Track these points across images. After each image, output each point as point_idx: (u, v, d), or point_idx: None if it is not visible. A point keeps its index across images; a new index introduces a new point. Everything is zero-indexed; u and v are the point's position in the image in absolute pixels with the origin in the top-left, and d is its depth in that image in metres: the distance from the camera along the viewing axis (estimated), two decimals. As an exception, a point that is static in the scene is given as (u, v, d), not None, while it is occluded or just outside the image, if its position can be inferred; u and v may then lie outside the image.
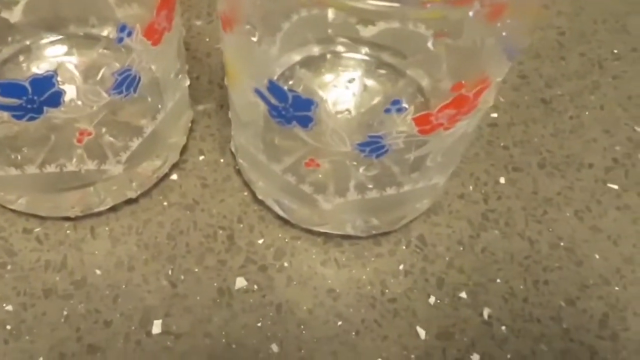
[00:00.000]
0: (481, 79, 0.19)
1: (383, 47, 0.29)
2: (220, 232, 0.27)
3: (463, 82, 0.19)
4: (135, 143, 0.24)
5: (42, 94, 0.19)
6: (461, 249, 0.27)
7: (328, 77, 0.29)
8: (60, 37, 0.28)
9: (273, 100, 0.20)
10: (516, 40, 0.20)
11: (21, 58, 0.28)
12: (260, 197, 0.27)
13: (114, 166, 0.24)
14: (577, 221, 0.28)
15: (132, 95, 0.22)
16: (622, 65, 0.34)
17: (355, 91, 0.29)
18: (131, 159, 0.25)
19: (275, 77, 0.29)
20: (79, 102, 0.21)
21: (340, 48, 0.30)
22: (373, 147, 0.21)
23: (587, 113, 0.32)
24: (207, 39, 0.33)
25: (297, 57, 0.29)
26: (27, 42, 0.28)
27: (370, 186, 0.23)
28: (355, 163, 0.23)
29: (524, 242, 0.27)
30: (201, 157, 0.29)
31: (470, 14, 0.16)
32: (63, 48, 0.28)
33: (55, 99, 0.20)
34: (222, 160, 0.29)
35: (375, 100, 0.29)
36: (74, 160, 0.23)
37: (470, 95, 0.19)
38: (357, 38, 0.29)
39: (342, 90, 0.29)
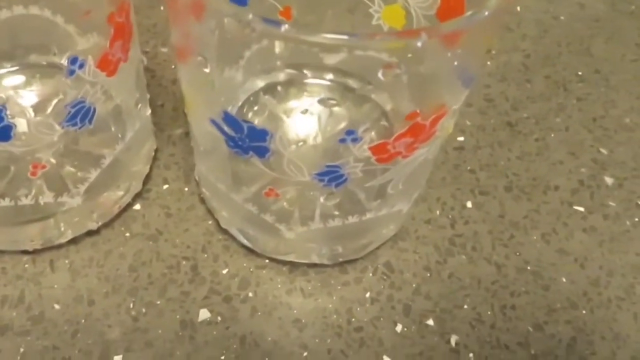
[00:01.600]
0: (437, 106, 0.19)
1: (347, 73, 0.29)
2: (184, 262, 0.26)
3: (418, 110, 0.19)
4: (93, 174, 0.24)
5: (-9, 127, 0.19)
6: (428, 275, 0.27)
7: (293, 103, 0.29)
8: (20, 66, 0.28)
9: (229, 131, 0.20)
10: (471, 66, 0.20)
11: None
12: (224, 226, 0.27)
13: (73, 197, 0.24)
14: (544, 244, 0.28)
15: (87, 126, 0.22)
16: (586, 87, 0.34)
17: (321, 116, 0.29)
18: (90, 190, 0.24)
19: (240, 103, 0.29)
20: (32, 136, 0.20)
21: (305, 74, 0.30)
22: (331, 176, 0.20)
23: (552, 135, 0.32)
24: (173, 66, 0.33)
25: (261, 84, 0.29)
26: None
27: (333, 215, 0.23)
28: (315, 192, 0.23)
29: (490, 266, 0.27)
30: (165, 186, 0.29)
31: (419, 44, 0.16)
32: (22, 77, 0.28)
33: (6, 133, 0.19)
34: (186, 189, 0.29)
35: (341, 126, 0.28)
36: (32, 192, 0.23)
37: (426, 124, 0.19)
38: (321, 65, 0.29)
39: (307, 116, 0.29)
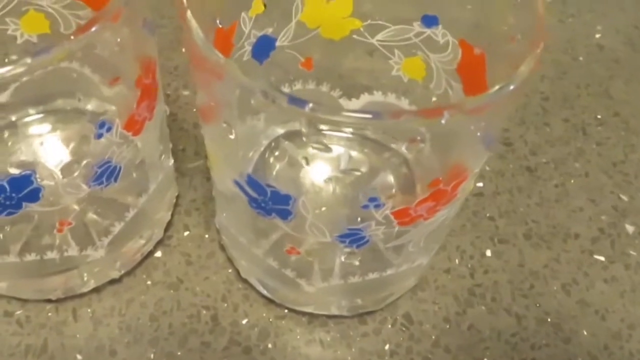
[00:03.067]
0: (459, 172, 0.19)
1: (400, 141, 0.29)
2: (204, 311, 0.27)
3: (440, 178, 0.19)
4: (117, 227, 0.24)
5: (21, 191, 0.19)
6: (447, 326, 0.27)
7: (312, 149, 0.29)
8: (46, 113, 0.28)
9: (252, 193, 0.20)
10: (495, 131, 0.20)
11: (6, 134, 0.28)
12: (244, 276, 0.27)
13: (97, 250, 0.24)
14: (564, 295, 0.28)
15: (112, 184, 0.22)
16: (605, 131, 0.34)
17: (341, 163, 0.29)
18: (114, 242, 0.25)
19: (262, 149, 0.29)
20: (59, 196, 0.21)
21: (323, 126, 0.30)
22: (353, 238, 0.21)
23: (572, 181, 0.32)
24: (194, 109, 0.33)
25: (281, 131, 0.29)
26: (13, 118, 0.28)
27: (353, 272, 0.23)
28: (335, 251, 0.23)
29: (510, 318, 0.27)
30: (186, 233, 0.29)
31: (443, 121, 0.16)
32: (48, 125, 0.28)
33: (34, 195, 0.20)
34: (206, 236, 0.29)
35: (363, 170, 0.29)
36: (55, 247, 0.23)
37: (448, 189, 0.19)
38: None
39: (327, 163, 0.29)
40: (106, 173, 0.21)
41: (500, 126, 0.20)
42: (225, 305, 0.27)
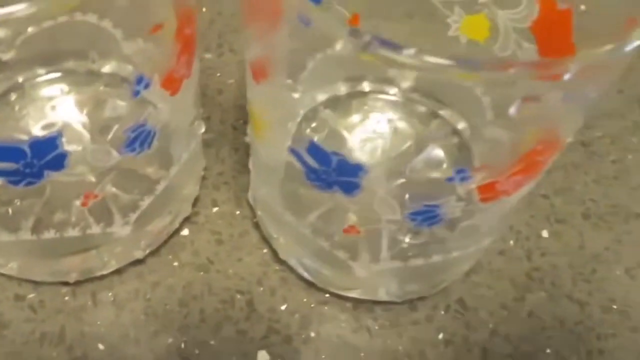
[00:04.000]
0: (554, 141, 0.17)
1: (415, 88, 0.27)
2: (239, 296, 0.24)
3: (539, 147, 0.16)
4: (146, 202, 0.21)
5: (44, 157, 0.16)
6: (506, 313, 0.24)
7: (355, 118, 0.27)
8: (57, 74, 0.25)
9: (312, 163, 0.17)
10: (599, 94, 0.18)
11: (13, 97, 0.25)
12: (282, 256, 0.24)
13: (122, 228, 0.21)
14: (629, 280, 0.26)
15: (146, 151, 0.19)
16: (663, 104, 0.32)
17: (385, 133, 0.26)
18: (141, 218, 0.22)
19: (298, 120, 0.26)
20: (87, 164, 0.18)
21: (366, 86, 0.27)
22: (426, 216, 0.18)
23: (630, 157, 0.30)
24: (219, 74, 0.30)
25: (321, 97, 0.26)
26: (20, 79, 0.25)
27: (416, 253, 0.21)
28: (401, 231, 0.20)
29: (573, 305, 0.25)
30: (215, 209, 0.26)
31: (566, 77, 0.13)
32: (59, 86, 0.25)
33: (59, 162, 0.17)
34: (237, 212, 0.26)
35: (407, 144, 0.26)
36: (77, 224, 0.20)
37: (542, 159, 0.17)
38: (384, 78, 0.27)
39: (370, 133, 0.26)
40: (140, 138, 0.18)
41: (604, 91, 0.18)
42: (261, 289, 0.24)
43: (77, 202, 0.19)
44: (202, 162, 0.26)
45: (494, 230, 0.21)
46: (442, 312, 0.24)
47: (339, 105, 0.27)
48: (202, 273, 0.24)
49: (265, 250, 0.25)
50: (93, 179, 0.19)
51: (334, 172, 0.17)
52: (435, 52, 0.26)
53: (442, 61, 0.13)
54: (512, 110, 0.14)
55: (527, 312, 0.25)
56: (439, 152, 0.26)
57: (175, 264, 0.24)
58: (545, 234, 0.27)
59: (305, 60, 0.24)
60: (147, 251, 0.24)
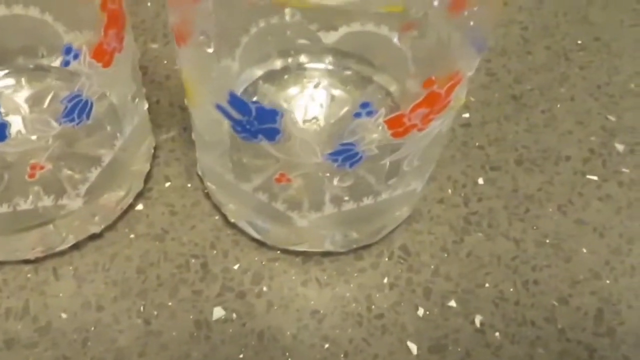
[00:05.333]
0: (452, 74, 0.18)
1: (347, 54, 0.28)
2: (193, 260, 0.25)
3: (434, 77, 0.18)
4: (93, 174, 0.23)
5: (-16, 128, 0.18)
6: (446, 255, 0.26)
7: (293, 90, 0.28)
8: (7, 70, 0.26)
9: (236, 115, 0.19)
10: (482, 30, 0.20)
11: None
12: (232, 220, 0.26)
13: (73, 200, 0.23)
14: (561, 216, 0.27)
15: (85, 122, 0.20)
16: (588, 56, 0.34)
17: (323, 102, 0.28)
18: (91, 191, 0.23)
19: (238, 95, 0.28)
20: (29, 134, 0.19)
21: (303, 59, 0.29)
22: (345, 155, 0.20)
23: (558, 106, 0.31)
24: (165, 61, 0.32)
25: (259, 72, 0.28)
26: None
27: (347, 197, 0.22)
28: (328, 175, 0.22)
29: (509, 242, 0.27)
30: (167, 184, 0.28)
31: (435, 3, 0.15)
32: (10, 81, 0.26)
33: (1, 132, 0.18)
34: (189, 185, 0.28)
35: (344, 110, 0.28)
36: (29, 197, 0.22)
37: (442, 92, 0.18)
38: (319, 48, 0.28)
39: (309, 102, 0.28)
40: (77, 108, 0.20)
41: (488, 25, 0.20)
42: (215, 252, 0.26)
43: (26, 174, 0.21)
44: (151, 141, 0.27)
45: (417, 172, 0.22)
46: (387, 259, 0.26)
47: (278, 78, 0.28)
48: (157, 242, 0.26)
49: (217, 217, 0.27)
50: (38, 149, 0.21)
51: (255, 120, 0.19)
52: (359, 19, 0.28)
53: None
54: (395, 39, 0.16)
55: (466, 253, 0.26)
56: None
57: (132, 236, 0.26)
58: (481, 181, 0.28)
59: (238, 36, 0.26)
60: (103, 226, 0.25)
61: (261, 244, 0.26)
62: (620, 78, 0.33)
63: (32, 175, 0.21)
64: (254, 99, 0.28)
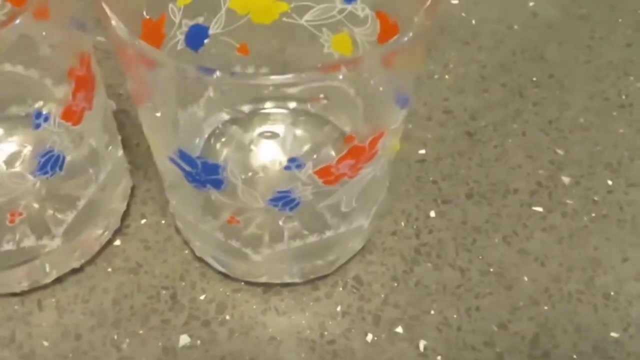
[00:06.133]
0: (373, 128, 0.21)
1: (307, 100, 0.31)
2: (164, 292, 0.28)
3: (353, 134, 0.20)
4: (70, 216, 0.25)
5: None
6: (395, 284, 0.28)
7: (258, 131, 0.31)
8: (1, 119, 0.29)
9: (186, 167, 0.22)
10: (404, 88, 0.22)
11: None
12: (198, 254, 0.28)
13: (53, 240, 0.25)
14: (505, 246, 0.30)
15: (58, 173, 0.23)
16: (541, 92, 0.36)
17: (286, 142, 0.30)
18: (69, 231, 0.26)
19: (206, 136, 0.30)
20: (5, 187, 0.22)
21: (268, 105, 0.31)
22: (284, 201, 0.22)
23: (510, 141, 0.34)
24: (146, 106, 0.35)
25: (225, 117, 0.31)
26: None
27: (294, 235, 0.25)
28: (273, 216, 0.24)
29: (455, 271, 0.29)
30: (143, 221, 0.30)
31: (340, 77, 0.18)
32: (2, 128, 0.29)
33: (-21, 188, 0.21)
34: (163, 222, 0.30)
35: (305, 148, 0.30)
36: (13, 238, 0.24)
37: (365, 145, 0.21)
38: (282, 95, 0.31)
39: (272, 143, 0.30)
40: (50, 162, 0.22)
41: (409, 84, 0.22)
42: (184, 284, 0.28)
43: (7, 221, 0.23)
44: (128, 182, 0.30)
45: (358, 211, 0.25)
46: (341, 289, 0.28)
47: (245, 121, 0.31)
48: (132, 275, 0.28)
49: (186, 251, 0.29)
50: (19, 200, 0.23)
51: (202, 172, 0.21)
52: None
53: (238, 80, 0.17)
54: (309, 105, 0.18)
55: (415, 282, 0.28)
56: (331, 152, 0.30)
57: (109, 269, 0.29)
58: (432, 214, 0.31)
59: (201, 92, 0.29)
60: (83, 261, 0.28)
61: (226, 276, 0.28)
62: (571, 113, 0.35)
63: (12, 221, 0.24)
64: (223, 139, 0.31)
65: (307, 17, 0.28)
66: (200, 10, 0.27)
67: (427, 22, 0.19)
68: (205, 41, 0.28)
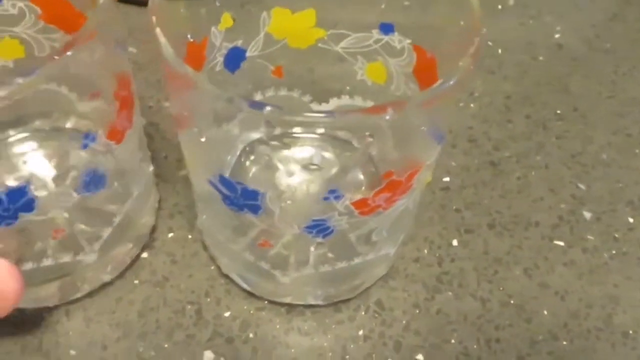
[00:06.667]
0: (411, 164, 0.21)
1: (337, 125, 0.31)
2: (189, 306, 0.28)
3: (392, 170, 0.21)
4: (106, 232, 0.26)
5: (17, 202, 0.21)
6: (417, 311, 0.29)
7: (287, 153, 0.31)
8: (27, 133, 0.30)
9: (225, 191, 0.22)
10: (443, 125, 0.22)
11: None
12: (225, 272, 0.29)
13: (89, 255, 0.26)
14: (526, 279, 0.30)
15: (101, 190, 0.24)
16: (565, 125, 0.36)
17: (315, 162, 0.31)
18: (104, 247, 0.26)
19: (238, 152, 0.31)
20: (52, 204, 0.22)
21: (297, 129, 0.32)
22: (319, 229, 0.22)
23: (533, 173, 0.34)
24: (175, 120, 0.35)
25: (257, 135, 0.31)
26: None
27: (323, 261, 0.25)
28: (305, 242, 0.25)
29: (476, 301, 0.29)
30: (170, 235, 0.31)
31: (387, 117, 0.18)
32: (29, 144, 0.30)
33: (29, 205, 0.21)
34: (190, 237, 0.31)
35: (333, 171, 0.31)
36: (50, 255, 0.25)
37: (402, 180, 0.21)
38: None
39: (301, 165, 0.31)
40: (94, 181, 0.23)
41: (447, 121, 0.22)
42: (209, 299, 0.29)
43: (49, 237, 0.24)
44: (156, 196, 0.31)
45: (388, 240, 0.25)
46: (363, 313, 0.29)
47: (275, 140, 0.31)
48: (158, 289, 0.29)
49: (212, 268, 0.30)
50: (60, 216, 0.24)
51: (241, 197, 0.22)
52: (348, 92, 0.31)
53: (290, 117, 0.18)
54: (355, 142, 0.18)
55: (436, 310, 0.29)
56: (359, 176, 0.31)
57: (136, 282, 0.29)
58: (455, 242, 0.31)
59: (236, 112, 0.29)
60: (114, 275, 0.28)
61: (250, 293, 0.29)
62: (593, 148, 0.35)
63: (55, 238, 0.24)
64: (252, 157, 0.31)
65: (342, 44, 0.29)
66: (239, 33, 0.28)
67: (471, 67, 0.19)
68: (242, 63, 0.29)
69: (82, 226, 0.26)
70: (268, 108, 0.18)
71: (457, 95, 0.21)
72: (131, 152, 0.25)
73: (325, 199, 0.21)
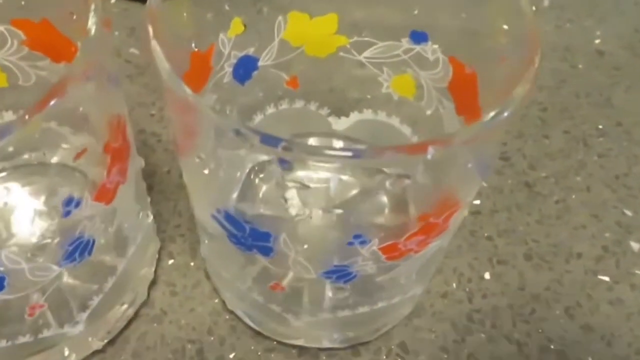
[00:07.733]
0: (450, 204, 0.18)
1: (357, 141, 0.28)
2: (189, 346, 0.25)
3: (430, 212, 0.17)
4: (95, 300, 0.22)
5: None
6: (445, 356, 0.25)
7: (301, 173, 0.28)
8: (12, 167, 0.26)
9: (230, 229, 0.19)
10: (488, 159, 0.19)
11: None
12: (230, 307, 0.26)
13: (74, 327, 0.22)
14: (568, 319, 0.27)
15: (86, 258, 0.20)
16: (607, 142, 0.33)
17: (331, 186, 0.28)
18: (93, 314, 0.23)
19: (247, 171, 0.28)
20: (27, 281, 0.19)
21: (312, 142, 0.29)
22: (339, 274, 0.19)
23: (573, 196, 0.31)
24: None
25: (267, 157, 0.28)
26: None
27: (342, 306, 0.22)
28: (323, 286, 0.22)
29: (512, 345, 0.26)
30: (170, 261, 0.28)
31: (429, 157, 0.15)
32: (14, 180, 0.26)
33: (-1, 284, 0.18)
34: (192, 264, 0.28)
35: (352, 193, 0.27)
36: (27, 331, 0.21)
37: (439, 222, 0.18)
38: (329, 132, 0.28)
39: (317, 187, 0.28)
40: (79, 249, 0.19)
41: (495, 153, 0.19)
42: (212, 338, 0.26)
43: (24, 314, 0.20)
44: (156, 244, 0.27)
45: (416, 282, 0.22)
46: (384, 357, 0.25)
47: (285, 160, 0.28)
48: (155, 324, 0.26)
49: (216, 300, 0.27)
50: (36, 293, 0.20)
51: (249, 237, 0.19)
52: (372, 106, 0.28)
53: (307, 155, 0.14)
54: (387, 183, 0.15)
55: (467, 355, 0.26)
56: (383, 200, 0.27)
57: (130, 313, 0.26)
58: (487, 275, 0.28)
59: (246, 121, 0.26)
60: (106, 341, 0.25)
61: (258, 332, 0.26)
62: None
63: (31, 315, 0.21)
64: (261, 175, 0.28)
65: (366, 53, 0.25)
66: (252, 40, 0.24)
67: (529, 95, 0.16)
68: (254, 73, 0.25)
69: (69, 298, 0.22)
70: (283, 144, 0.15)
71: (510, 126, 0.18)
72: (127, 208, 0.22)
73: (350, 244, 0.18)
